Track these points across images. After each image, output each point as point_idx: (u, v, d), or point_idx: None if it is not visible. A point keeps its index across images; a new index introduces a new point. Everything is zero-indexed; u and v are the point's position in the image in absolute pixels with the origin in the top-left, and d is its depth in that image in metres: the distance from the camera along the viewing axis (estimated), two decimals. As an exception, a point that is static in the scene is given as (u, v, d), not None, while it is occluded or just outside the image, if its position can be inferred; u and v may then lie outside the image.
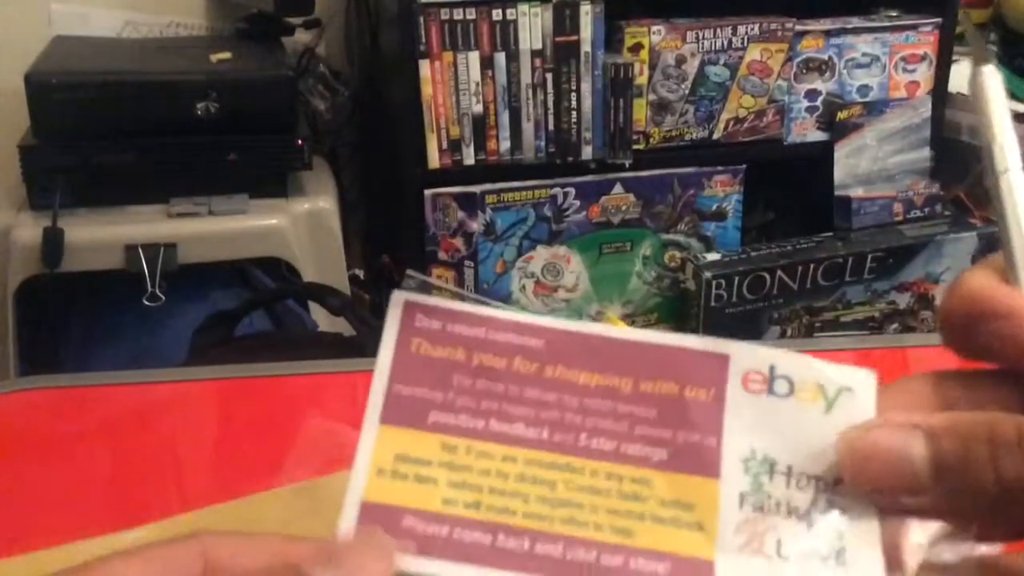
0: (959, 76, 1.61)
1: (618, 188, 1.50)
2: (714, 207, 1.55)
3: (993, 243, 1.52)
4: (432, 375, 0.27)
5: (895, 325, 1.57)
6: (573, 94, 1.44)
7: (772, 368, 0.27)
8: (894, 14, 1.60)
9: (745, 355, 0.27)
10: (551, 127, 1.45)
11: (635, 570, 0.25)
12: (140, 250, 1.22)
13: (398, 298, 0.28)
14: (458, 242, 1.46)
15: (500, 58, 1.41)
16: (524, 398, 0.27)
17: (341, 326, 1.13)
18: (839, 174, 1.57)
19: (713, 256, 1.52)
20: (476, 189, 1.44)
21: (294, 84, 1.36)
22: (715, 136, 1.53)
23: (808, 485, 0.26)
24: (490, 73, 1.41)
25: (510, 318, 0.28)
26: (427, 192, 1.43)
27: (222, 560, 0.24)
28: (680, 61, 1.48)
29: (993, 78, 0.26)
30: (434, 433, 0.26)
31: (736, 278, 1.47)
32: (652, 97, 1.48)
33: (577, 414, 0.27)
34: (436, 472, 0.26)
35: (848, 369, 0.27)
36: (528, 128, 1.44)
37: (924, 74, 1.59)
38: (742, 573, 0.25)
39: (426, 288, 0.28)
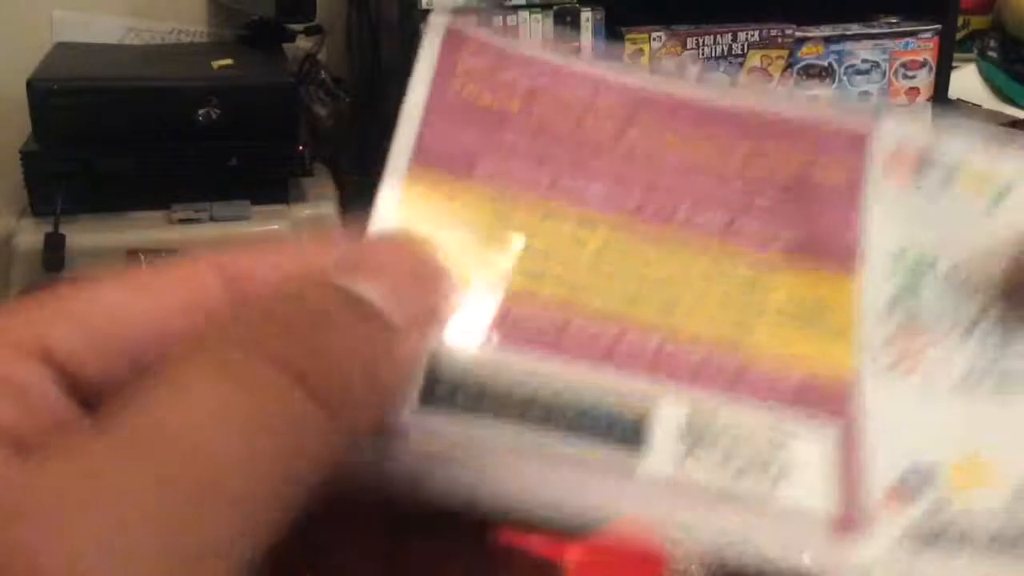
0: (959, 82, 1.61)
1: (619, 194, 1.49)
2: (715, 213, 1.55)
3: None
4: (478, 125, 0.20)
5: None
6: (574, 100, 1.44)
7: (925, 151, 0.21)
8: (894, 21, 1.60)
9: (890, 131, 0.21)
10: (552, 133, 1.45)
11: (757, 378, 0.19)
12: (141, 256, 1.21)
13: (438, 22, 0.21)
14: (459, 248, 1.46)
15: (501, 64, 1.41)
16: (601, 160, 0.20)
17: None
18: (839, 180, 1.57)
19: (714, 262, 1.52)
20: (477, 195, 1.44)
21: (295, 90, 1.36)
22: (715, 142, 1.53)
23: (975, 294, 0.20)
24: (491, 79, 1.41)
25: (583, 68, 0.21)
26: (428, 198, 1.43)
27: (242, 275, 0.18)
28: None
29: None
30: (482, 185, 0.20)
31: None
32: (652, 103, 1.48)
33: (676, 177, 0.20)
34: (485, 235, 0.19)
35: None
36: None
37: (924, 80, 1.59)
38: (896, 396, 0.19)
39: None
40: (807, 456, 0.18)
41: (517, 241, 0.19)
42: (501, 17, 1.39)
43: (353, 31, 1.67)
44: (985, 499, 0.18)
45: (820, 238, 0.20)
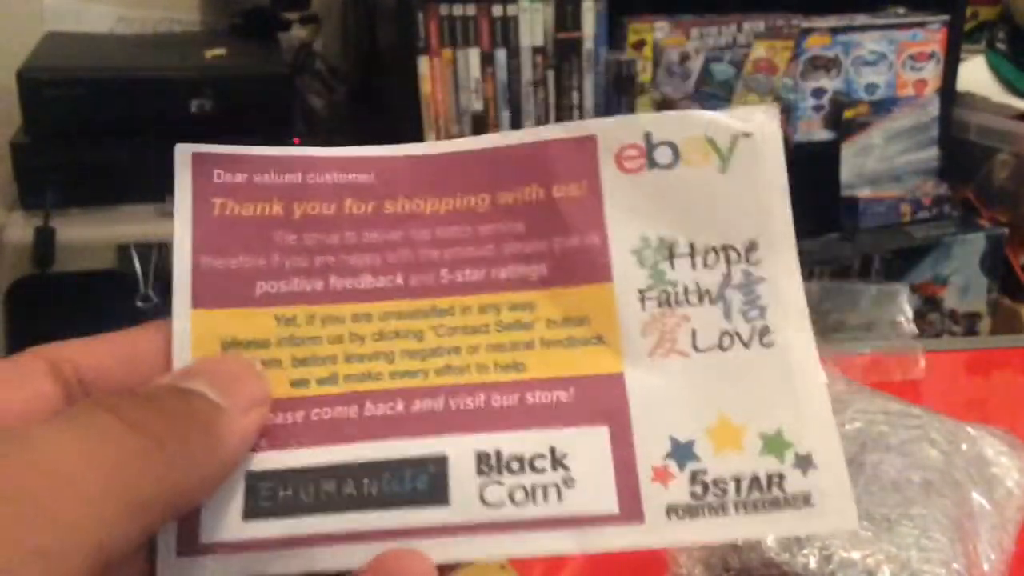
0: (967, 74, 1.59)
1: (620, 187, 1.47)
2: (718, 207, 1.53)
3: (1000, 244, 1.50)
4: (247, 239, 0.22)
5: (902, 327, 1.55)
6: (575, 92, 1.42)
7: (648, 136, 0.23)
8: (902, 11, 1.57)
9: (613, 130, 0.23)
10: (552, 125, 1.43)
11: (534, 404, 0.21)
12: (133, 250, 1.19)
13: (184, 152, 0.23)
14: (457, 242, 1.44)
15: (500, 55, 1.39)
16: (365, 244, 0.22)
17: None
18: (846, 174, 1.54)
19: (717, 257, 1.50)
20: (476, 188, 1.42)
21: (290, 81, 1.34)
22: (719, 135, 1.50)
23: (718, 260, 0.22)
24: (490, 70, 1.39)
25: (328, 154, 0.23)
26: (426, 191, 1.41)
27: (76, 367, 0.21)
28: (684, 58, 1.46)
29: None
30: (264, 307, 0.22)
31: (740, 279, 1.45)
32: (656, 95, 1.46)
33: (432, 248, 0.22)
34: (276, 352, 0.22)
35: (742, 111, 0.23)
36: (529, 126, 1.42)
37: (932, 72, 1.56)
38: (656, 379, 0.21)
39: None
40: (586, 464, 0.21)
41: (305, 351, 0.22)
42: (501, 6, 1.37)
43: (349, 20, 1.64)
44: (734, 464, 0.21)
45: (572, 256, 0.22)
